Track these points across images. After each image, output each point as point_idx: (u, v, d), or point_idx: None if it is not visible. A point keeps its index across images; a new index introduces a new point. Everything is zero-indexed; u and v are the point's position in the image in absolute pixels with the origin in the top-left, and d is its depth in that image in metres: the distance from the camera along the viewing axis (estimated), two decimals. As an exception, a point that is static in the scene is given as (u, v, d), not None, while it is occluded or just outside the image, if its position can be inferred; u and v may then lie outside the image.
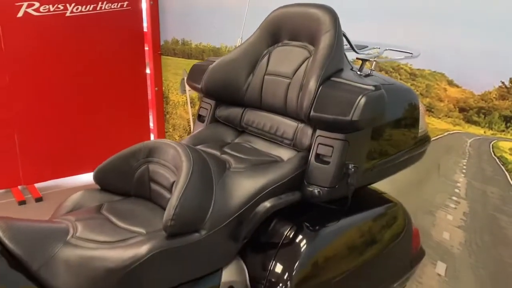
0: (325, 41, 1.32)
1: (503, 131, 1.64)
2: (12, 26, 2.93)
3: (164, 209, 1.20)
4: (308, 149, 1.30)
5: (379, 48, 1.53)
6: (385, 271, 1.42)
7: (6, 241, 0.98)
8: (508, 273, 1.71)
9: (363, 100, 1.16)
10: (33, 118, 3.13)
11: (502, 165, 1.65)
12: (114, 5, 3.30)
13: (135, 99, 3.57)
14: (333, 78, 1.27)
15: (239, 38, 1.93)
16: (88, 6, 3.19)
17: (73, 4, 3.13)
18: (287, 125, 1.41)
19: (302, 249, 1.21)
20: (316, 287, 1.24)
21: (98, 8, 3.24)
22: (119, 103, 3.47)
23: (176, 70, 3.43)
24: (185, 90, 3.40)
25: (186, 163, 1.17)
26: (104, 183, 1.36)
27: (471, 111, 1.72)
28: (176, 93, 3.50)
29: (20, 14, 2.95)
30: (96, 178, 1.35)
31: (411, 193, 1.69)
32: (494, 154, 1.67)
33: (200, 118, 1.67)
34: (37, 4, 3.00)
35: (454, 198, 1.82)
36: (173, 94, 3.53)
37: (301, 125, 1.37)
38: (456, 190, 1.81)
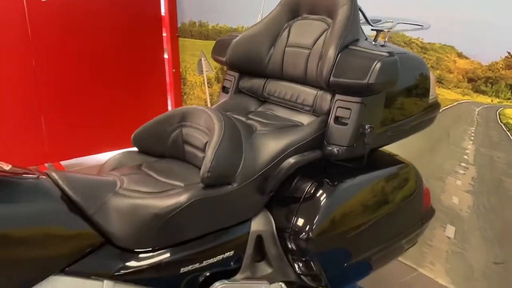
0: (342, 13, 1.44)
1: (509, 99, 1.74)
2: (37, 10, 3.06)
3: (197, 167, 1.34)
4: (327, 113, 1.42)
5: (391, 21, 1.63)
6: (397, 226, 1.54)
7: (66, 188, 1.11)
8: (513, 232, 1.83)
9: (378, 65, 1.27)
10: (58, 100, 3.27)
11: (508, 131, 1.76)
12: (134, -12, 3.42)
13: (153, 81, 3.70)
14: (350, 47, 1.38)
15: (259, 14, 2.05)
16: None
17: (93, -11, 3.25)
18: (307, 93, 1.53)
19: (322, 203, 1.34)
20: (335, 238, 1.37)
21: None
22: (138, 85, 3.60)
23: (193, 51, 3.55)
24: (202, 71, 3.52)
25: (218, 125, 1.29)
26: (141, 146, 1.49)
27: (479, 81, 1.82)
28: (193, 74, 3.62)
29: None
30: (134, 141, 1.49)
31: (422, 160, 1.79)
32: (501, 121, 1.78)
33: (224, 89, 1.79)
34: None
35: (462, 164, 1.93)
36: (190, 75, 3.65)
37: (320, 92, 1.48)
38: (465, 157, 1.92)
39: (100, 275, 1.12)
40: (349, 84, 1.31)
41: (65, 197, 1.10)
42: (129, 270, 1.16)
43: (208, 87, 3.50)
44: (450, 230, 2.03)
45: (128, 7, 3.41)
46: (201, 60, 3.50)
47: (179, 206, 1.17)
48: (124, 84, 3.54)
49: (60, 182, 1.12)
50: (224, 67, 1.86)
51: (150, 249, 1.19)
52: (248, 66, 1.69)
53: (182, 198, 1.18)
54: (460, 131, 1.92)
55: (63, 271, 1.07)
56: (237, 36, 1.71)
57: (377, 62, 1.27)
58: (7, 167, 1.09)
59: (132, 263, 1.16)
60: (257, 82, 1.69)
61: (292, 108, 1.58)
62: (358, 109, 1.33)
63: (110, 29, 3.38)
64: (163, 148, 1.47)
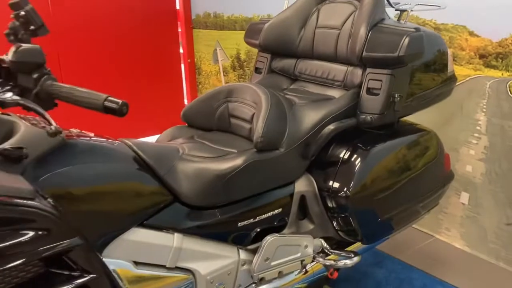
0: (370, -3, 1.60)
1: (518, 71, 1.91)
2: (61, 2, 3.21)
3: (243, 137, 1.51)
4: (358, 86, 1.59)
5: (409, 3, 1.79)
6: (423, 186, 1.71)
7: (140, 152, 1.27)
8: (524, 195, 2.00)
9: (407, 39, 1.43)
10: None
11: (517, 101, 1.93)
12: (150, -17, 3.57)
13: (169, 72, 3.86)
14: (379, 25, 1.54)
15: (285, 0, 2.20)
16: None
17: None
18: (338, 70, 1.69)
19: (358, 166, 1.50)
20: (370, 196, 1.54)
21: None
22: (154, 76, 3.76)
23: (208, 41, 3.70)
24: (217, 60, 3.68)
25: (264, 98, 1.45)
26: (190, 121, 1.65)
27: (490, 57, 1.99)
28: (208, 63, 3.77)
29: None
30: (183, 117, 1.65)
31: (437, 132, 1.96)
32: (511, 93, 1.95)
33: (257, 70, 1.95)
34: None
35: (475, 134, 2.10)
36: (205, 64, 3.81)
37: (350, 68, 1.65)
38: (477, 127, 2.09)
39: (171, 229, 1.28)
40: (381, 58, 1.48)
41: (140, 160, 1.26)
42: (195, 224, 1.32)
43: (224, 75, 3.65)
44: (464, 197, 2.21)
45: (146, 2, 3.57)
46: (216, 49, 3.66)
47: (237, 168, 1.33)
48: (141, 76, 3.70)
49: (134, 147, 1.27)
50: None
51: (213, 206, 1.35)
52: (280, 48, 1.85)
53: (239, 161, 1.34)
54: (473, 104, 2.09)
55: (141, 224, 1.23)
56: (269, 21, 1.87)
57: (406, 37, 1.44)
58: (91, 134, 1.25)
59: (197, 218, 1.32)
60: (288, 62, 1.85)
61: (323, 84, 1.74)
62: (389, 80, 1.49)
63: (129, 23, 3.54)
64: (210, 122, 1.63)
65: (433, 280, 2.03)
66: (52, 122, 0.96)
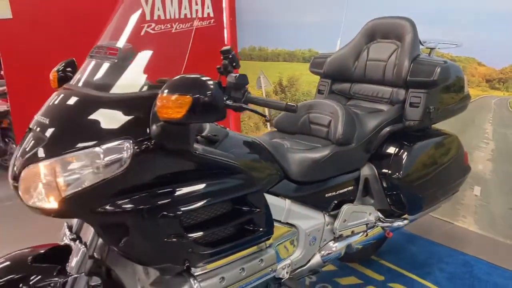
0: (408, 38, 2.25)
1: (516, 92, 2.57)
2: (137, 42, 3.88)
3: (321, 137, 2.14)
4: (402, 102, 2.23)
5: (433, 42, 2.45)
6: (449, 174, 2.33)
7: (265, 145, 1.89)
8: (523, 185, 2.62)
9: (439, 69, 2.08)
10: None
11: (516, 114, 2.58)
12: (204, 22, 4.26)
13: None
14: (417, 59, 2.19)
15: (338, 40, 2.86)
16: (187, 24, 4.14)
17: (177, 23, 4.09)
18: (385, 90, 2.33)
19: (405, 157, 2.13)
20: (414, 179, 2.15)
21: (193, 25, 4.19)
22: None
23: (253, 71, 4.37)
24: (261, 86, 4.34)
25: (340, 109, 2.09)
26: (280, 127, 2.28)
27: (494, 81, 2.65)
28: (252, 89, 4.44)
29: (142, 33, 3.91)
30: (275, 124, 2.28)
31: (455, 139, 2.57)
32: (510, 107, 2.59)
33: (319, 92, 2.60)
34: (153, 25, 3.96)
35: (485, 140, 2.74)
36: (249, 89, 4.46)
37: (395, 89, 2.29)
38: (486, 135, 2.73)
39: (284, 196, 1.89)
40: (421, 81, 2.12)
41: (267, 150, 1.88)
42: (298, 194, 1.93)
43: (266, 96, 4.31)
44: (477, 190, 2.83)
45: (201, 35, 4.26)
46: (260, 77, 4.33)
47: (326, 156, 1.96)
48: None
49: (262, 142, 1.90)
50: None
51: (309, 181, 1.97)
52: (339, 75, 2.50)
53: (326, 151, 1.97)
54: (482, 117, 2.73)
55: (268, 191, 1.84)
56: (329, 56, 2.53)
57: (438, 67, 2.09)
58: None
59: (299, 190, 1.94)
60: (345, 86, 2.50)
61: (373, 101, 2.38)
62: (426, 97, 2.14)
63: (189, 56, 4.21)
64: (294, 128, 2.26)
65: (455, 252, 2.63)
66: (265, 115, 1.58)
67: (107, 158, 1.29)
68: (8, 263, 1.47)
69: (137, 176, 1.35)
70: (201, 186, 1.49)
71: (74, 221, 1.60)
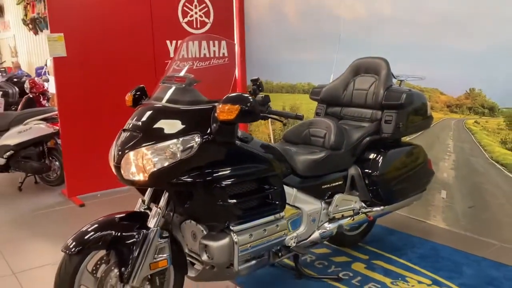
0: (384, 73, 3.01)
1: (468, 114, 3.32)
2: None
3: (319, 146, 2.86)
4: (379, 120, 2.96)
5: (404, 76, 3.21)
6: (418, 175, 3.04)
7: (278, 149, 2.60)
8: (479, 187, 3.33)
9: (405, 95, 2.83)
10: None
11: (469, 131, 3.32)
12: (220, 61, 5.05)
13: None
14: (390, 88, 2.95)
15: (331, 75, 3.63)
16: (206, 62, 4.94)
17: (197, 61, 4.88)
18: (366, 112, 3.07)
19: (382, 159, 2.85)
20: (389, 177, 2.86)
21: (211, 63, 4.99)
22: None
23: (260, 101, 5.12)
24: (267, 114, 5.09)
25: (332, 124, 2.83)
26: (287, 139, 3.01)
27: (453, 106, 3.40)
28: (259, 116, 5.18)
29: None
30: (284, 137, 3.01)
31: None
32: (465, 126, 3.34)
33: (317, 114, 3.35)
34: (178, 63, 4.75)
35: (447, 153, 3.47)
36: (256, 117, 5.22)
37: (374, 111, 3.03)
38: (448, 149, 3.46)
39: (291, 186, 2.61)
40: (392, 104, 2.87)
41: (279, 152, 2.59)
42: (302, 185, 2.65)
43: (272, 124, 5.06)
44: (444, 193, 3.54)
45: (216, 71, 5.04)
46: (266, 106, 5.07)
47: (322, 157, 2.69)
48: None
49: (276, 146, 2.62)
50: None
51: (310, 176, 2.68)
52: (332, 101, 3.25)
53: (322, 154, 2.70)
54: (445, 135, 3.48)
55: (284, 183, 2.54)
56: (324, 86, 3.29)
57: (404, 93, 2.84)
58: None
59: (303, 182, 2.65)
60: (337, 109, 3.25)
61: (358, 120, 3.12)
62: (396, 116, 2.88)
63: (201, 90, 4.99)
64: (298, 139, 2.99)
65: (425, 241, 3.31)
66: (282, 121, 2.30)
67: (183, 146, 2.02)
68: (101, 221, 2.15)
69: (200, 159, 2.07)
70: (240, 167, 2.21)
71: (147, 197, 2.30)
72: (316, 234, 2.70)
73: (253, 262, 2.35)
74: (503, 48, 3.07)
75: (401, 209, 3.69)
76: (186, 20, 4.96)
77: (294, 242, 2.58)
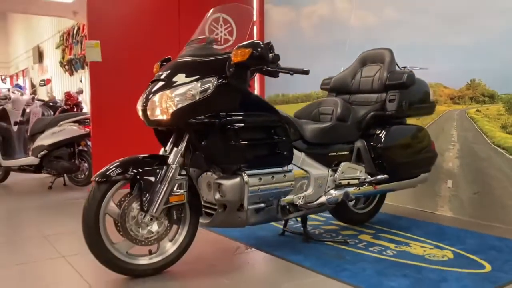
0: (388, 60, 3.30)
1: (470, 104, 3.54)
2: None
3: (326, 122, 3.11)
4: (384, 101, 3.21)
5: (407, 66, 3.48)
6: (423, 158, 3.23)
7: (292, 120, 2.87)
8: (483, 173, 3.48)
9: (406, 75, 3.09)
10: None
11: (472, 120, 3.53)
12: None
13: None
14: (393, 71, 3.22)
15: (342, 68, 3.93)
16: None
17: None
18: (373, 96, 3.33)
19: (386, 134, 3.07)
20: (394, 150, 3.07)
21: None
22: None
23: (278, 113, 5.42)
24: (284, 125, 5.37)
25: (339, 100, 3.10)
26: (298, 116, 3.26)
27: (455, 98, 3.63)
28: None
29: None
30: (295, 114, 3.27)
31: (430, 143, 3.51)
32: (468, 116, 3.55)
33: (328, 103, 3.61)
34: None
35: (452, 143, 3.66)
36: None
37: (379, 94, 3.29)
38: (453, 139, 3.65)
39: (300, 150, 2.84)
40: (395, 83, 3.12)
41: (293, 122, 2.85)
42: (310, 151, 2.88)
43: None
44: (449, 183, 3.69)
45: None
46: (283, 117, 5.36)
47: (328, 126, 2.94)
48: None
49: (289, 117, 2.87)
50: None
51: (318, 143, 2.92)
52: (341, 89, 3.53)
53: (330, 123, 2.95)
54: (449, 126, 3.68)
55: (293, 146, 2.78)
56: (333, 77, 3.58)
57: (406, 74, 3.10)
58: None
59: (311, 148, 2.89)
60: (346, 96, 3.51)
61: (365, 105, 3.37)
62: (399, 94, 3.12)
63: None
64: (308, 117, 3.24)
65: (431, 223, 3.43)
66: (291, 72, 2.58)
67: (201, 87, 2.31)
68: (127, 158, 2.42)
69: (216, 101, 2.35)
70: (252, 114, 2.48)
71: (168, 146, 2.56)
72: (322, 199, 2.89)
73: (262, 205, 2.54)
74: (499, 39, 3.33)
75: (409, 202, 3.86)
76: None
77: (301, 201, 2.78)
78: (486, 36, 3.41)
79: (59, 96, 12.54)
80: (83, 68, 10.97)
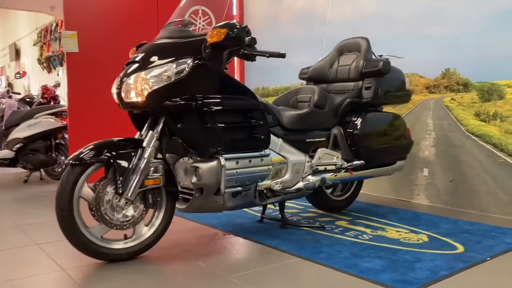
0: (364, 48, 3.33)
1: (445, 92, 3.59)
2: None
3: (304, 109, 3.13)
4: (360, 88, 3.24)
5: (383, 54, 3.51)
6: (399, 145, 3.27)
7: (268, 105, 2.88)
8: (457, 160, 3.54)
9: (381, 62, 3.13)
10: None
11: (447, 108, 3.58)
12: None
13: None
14: (369, 59, 3.25)
15: (320, 57, 3.95)
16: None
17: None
18: (350, 85, 3.35)
19: (361, 121, 3.10)
20: (370, 137, 3.10)
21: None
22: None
23: (257, 106, 5.43)
24: (263, 118, 5.38)
25: (316, 87, 3.11)
26: (276, 104, 3.27)
27: (431, 87, 3.68)
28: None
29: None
30: (274, 102, 3.28)
31: (407, 132, 3.56)
32: (443, 104, 3.61)
33: (306, 92, 3.63)
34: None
35: (428, 132, 3.71)
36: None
37: (356, 83, 3.31)
38: (429, 127, 3.71)
39: (277, 136, 2.85)
40: (371, 71, 3.15)
41: (270, 107, 2.85)
42: (287, 137, 2.89)
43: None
44: (426, 171, 3.74)
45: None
46: (262, 110, 5.37)
47: (306, 112, 2.95)
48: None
49: (265, 102, 2.88)
50: None
51: (295, 129, 2.93)
52: (319, 78, 3.55)
53: (306, 110, 2.97)
54: (425, 115, 3.73)
55: (271, 132, 2.79)
56: (311, 67, 3.60)
57: (381, 61, 3.14)
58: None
59: (288, 134, 2.89)
60: (324, 86, 3.53)
61: (342, 93, 3.40)
62: (375, 82, 3.15)
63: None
64: (287, 104, 3.25)
65: (407, 210, 3.48)
66: (267, 55, 2.57)
67: (176, 68, 2.30)
68: (102, 141, 2.38)
69: (192, 82, 2.34)
70: (229, 97, 2.48)
71: (144, 130, 2.53)
72: (300, 184, 2.89)
73: (239, 189, 2.54)
74: (473, 30, 3.39)
75: (387, 192, 3.90)
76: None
77: (279, 187, 2.79)
78: (460, 27, 3.47)
79: (36, 94, 12.38)
80: (61, 65, 10.82)
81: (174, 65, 2.32)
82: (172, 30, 2.55)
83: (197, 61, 2.36)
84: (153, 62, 2.35)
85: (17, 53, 14.35)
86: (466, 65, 3.48)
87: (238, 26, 2.37)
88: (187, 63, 2.33)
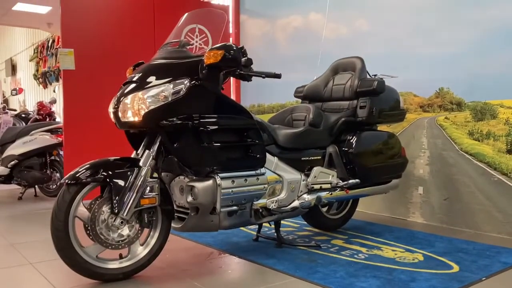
0: (358, 68, 3.37)
1: (439, 111, 3.63)
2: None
3: (299, 127, 3.15)
4: (355, 107, 3.27)
5: (378, 74, 3.55)
6: (394, 163, 3.29)
7: (265, 124, 2.89)
8: (452, 179, 3.56)
9: (376, 82, 3.16)
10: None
11: (441, 127, 3.61)
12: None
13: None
14: (363, 78, 3.28)
15: (315, 75, 3.98)
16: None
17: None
18: (344, 104, 3.39)
19: (357, 140, 3.12)
20: (365, 156, 3.12)
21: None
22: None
23: (253, 123, 5.45)
24: (259, 135, 5.40)
25: (311, 106, 3.14)
26: (272, 122, 3.29)
27: (425, 106, 3.72)
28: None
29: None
30: (269, 120, 3.30)
31: (401, 150, 3.59)
32: (437, 123, 3.64)
33: (301, 110, 3.66)
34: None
35: (422, 150, 3.74)
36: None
37: (351, 102, 3.35)
38: (423, 145, 3.73)
39: (273, 154, 2.86)
40: (366, 90, 3.19)
41: (266, 126, 2.87)
42: (283, 155, 2.90)
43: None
44: (420, 189, 3.75)
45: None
46: (258, 127, 5.39)
47: (301, 131, 2.97)
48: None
49: (263, 122, 2.90)
50: None
51: (291, 148, 2.94)
52: (314, 97, 3.58)
53: (302, 128, 2.99)
54: (419, 133, 3.76)
55: (267, 151, 2.80)
56: (306, 85, 3.63)
57: (376, 81, 3.17)
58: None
59: (284, 153, 2.91)
60: (318, 104, 3.56)
61: (337, 112, 3.43)
62: (370, 101, 3.18)
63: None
64: (282, 123, 3.27)
65: (403, 228, 3.48)
66: (263, 76, 2.59)
67: (174, 89, 2.32)
68: (98, 160, 2.39)
69: (188, 102, 2.35)
70: (225, 116, 2.49)
71: (140, 149, 2.54)
72: (295, 203, 2.90)
73: (235, 208, 2.54)
74: (466, 50, 3.44)
75: (382, 210, 3.91)
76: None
77: (274, 205, 2.79)
78: (453, 47, 3.52)
79: (32, 109, 12.37)
80: (57, 80, 10.85)
81: (171, 85, 2.34)
82: (169, 51, 2.57)
83: (194, 82, 2.38)
84: (150, 82, 2.37)
85: (13, 68, 14.39)
86: (459, 84, 3.52)
87: (234, 48, 2.40)
88: (184, 84, 2.35)
